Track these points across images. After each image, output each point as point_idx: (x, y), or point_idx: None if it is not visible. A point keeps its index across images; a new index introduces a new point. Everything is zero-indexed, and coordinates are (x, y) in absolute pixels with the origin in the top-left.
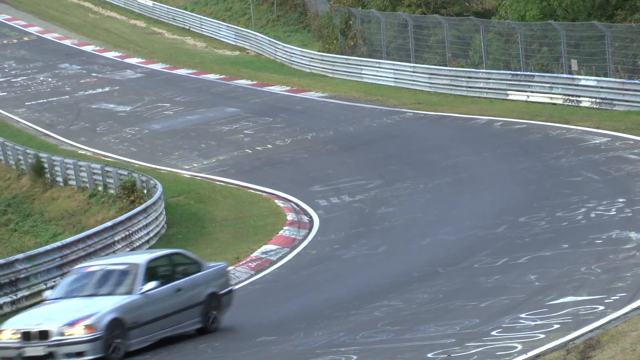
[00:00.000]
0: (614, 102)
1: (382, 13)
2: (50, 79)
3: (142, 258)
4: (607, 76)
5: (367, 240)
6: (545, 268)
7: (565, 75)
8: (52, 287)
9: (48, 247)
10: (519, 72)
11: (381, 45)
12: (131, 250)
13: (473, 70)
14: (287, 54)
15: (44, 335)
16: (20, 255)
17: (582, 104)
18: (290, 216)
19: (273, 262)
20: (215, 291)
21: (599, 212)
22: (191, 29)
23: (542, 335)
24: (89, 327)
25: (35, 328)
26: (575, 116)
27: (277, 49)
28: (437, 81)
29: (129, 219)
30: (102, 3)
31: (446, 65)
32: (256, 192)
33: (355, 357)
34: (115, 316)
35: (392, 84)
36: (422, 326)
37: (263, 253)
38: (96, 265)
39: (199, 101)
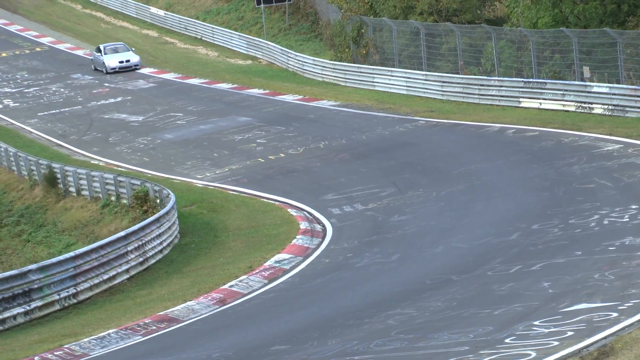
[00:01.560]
0: (627, 108)
1: (394, 21)
2: (62, 89)
3: None
4: (619, 83)
5: (380, 249)
6: (559, 275)
7: (577, 82)
8: (65, 298)
9: (61, 257)
10: (531, 80)
11: (393, 54)
12: (143, 262)
13: (485, 77)
14: (299, 62)
15: None
16: (33, 266)
17: (595, 111)
18: (303, 225)
19: (286, 271)
20: None
21: (612, 219)
22: (203, 38)
23: (556, 343)
24: None
25: None
26: (587, 123)
27: (289, 58)
28: (449, 89)
29: (142, 228)
30: (114, 13)
31: (458, 73)
32: (269, 201)
33: None
34: None
35: (405, 92)
36: (436, 334)
37: (276, 262)
38: None
39: (212, 110)
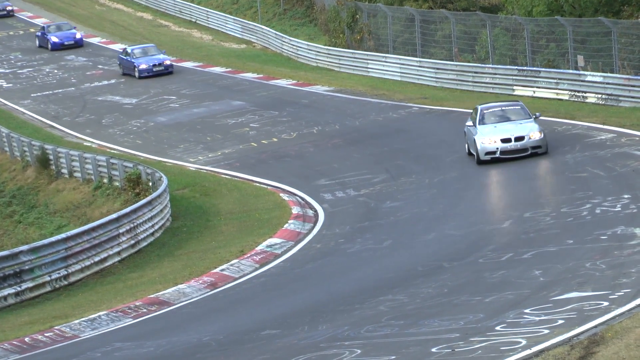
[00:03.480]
0: (620, 98)
1: (389, 7)
2: (56, 71)
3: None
4: (613, 72)
5: (372, 235)
6: (550, 264)
7: (571, 71)
8: (56, 279)
9: (53, 239)
10: (525, 68)
11: (388, 40)
12: (135, 244)
13: (479, 65)
14: (294, 47)
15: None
16: (24, 247)
17: (588, 100)
18: (295, 210)
19: (278, 256)
20: None
21: (604, 208)
22: (198, 21)
23: (547, 331)
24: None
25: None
26: (581, 112)
27: (283, 43)
28: (443, 76)
29: (134, 211)
30: None
31: (452, 60)
32: (261, 185)
33: (359, 351)
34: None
35: (399, 79)
36: (427, 321)
37: (268, 246)
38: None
39: (205, 94)
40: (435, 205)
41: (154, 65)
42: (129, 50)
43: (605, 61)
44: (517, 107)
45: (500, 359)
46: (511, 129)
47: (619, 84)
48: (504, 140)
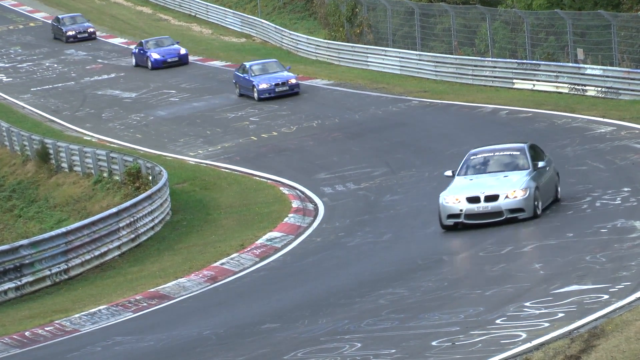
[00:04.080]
0: (620, 91)
1: (388, 1)
2: (56, 65)
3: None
4: (613, 65)
5: (372, 228)
6: (550, 257)
7: (571, 64)
8: (56, 273)
9: (53, 233)
10: (525, 61)
11: (387, 33)
12: (135, 238)
13: (479, 58)
14: (293, 41)
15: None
16: (24, 241)
17: (588, 93)
18: (295, 203)
19: (278, 250)
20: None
21: (604, 201)
22: (197, 15)
23: (547, 324)
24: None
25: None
26: (580, 105)
27: (283, 36)
28: (443, 69)
29: (134, 205)
30: None
31: (452, 54)
32: (261, 179)
33: (359, 344)
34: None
35: (398, 72)
36: (427, 314)
37: (268, 240)
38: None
39: (205, 88)
40: (434, 199)
41: (277, 85)
42: (246, 66)
43: (605, 54)
44: (516, 153)
45: (500, 352)
46: (486, 184)
47: (618, 77)
48: (471, 200)
